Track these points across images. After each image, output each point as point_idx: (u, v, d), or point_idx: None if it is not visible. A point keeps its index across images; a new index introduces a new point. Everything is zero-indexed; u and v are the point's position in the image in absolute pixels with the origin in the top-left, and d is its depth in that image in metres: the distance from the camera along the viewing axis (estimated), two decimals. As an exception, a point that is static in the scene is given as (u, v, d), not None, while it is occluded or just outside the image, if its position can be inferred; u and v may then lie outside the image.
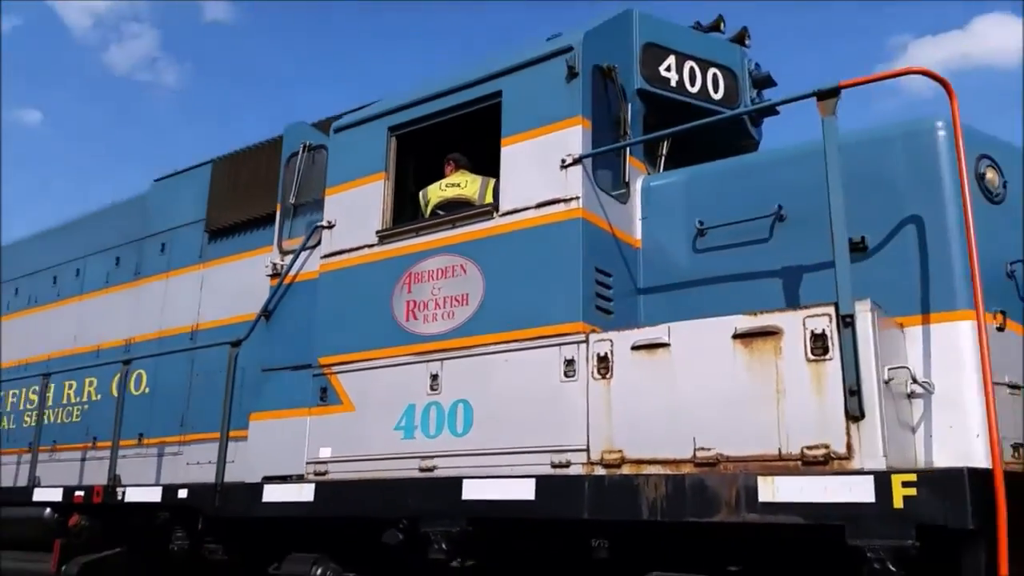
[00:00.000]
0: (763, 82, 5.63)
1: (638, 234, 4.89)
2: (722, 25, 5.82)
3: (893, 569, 3.17)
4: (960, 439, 3.73)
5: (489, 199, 4.97)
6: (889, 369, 3.51)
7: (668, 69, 5.26)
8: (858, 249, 4.15)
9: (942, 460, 3.74)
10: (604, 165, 4.90)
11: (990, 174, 4.16)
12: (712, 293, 4.55)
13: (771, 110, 5.60)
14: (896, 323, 3.88)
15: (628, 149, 4.91)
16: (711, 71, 5.43)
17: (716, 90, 5.42)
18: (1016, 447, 3.80)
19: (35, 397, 7.91)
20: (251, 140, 6.26)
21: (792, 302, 4.23)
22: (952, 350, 3.84)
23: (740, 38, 5.89)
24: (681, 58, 5.33)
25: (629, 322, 4.55)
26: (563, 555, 4.26)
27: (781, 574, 3.71)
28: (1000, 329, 3.92)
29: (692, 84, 5.34)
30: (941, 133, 4.11)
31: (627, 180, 4.90)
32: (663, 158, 5.37)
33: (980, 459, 3.68)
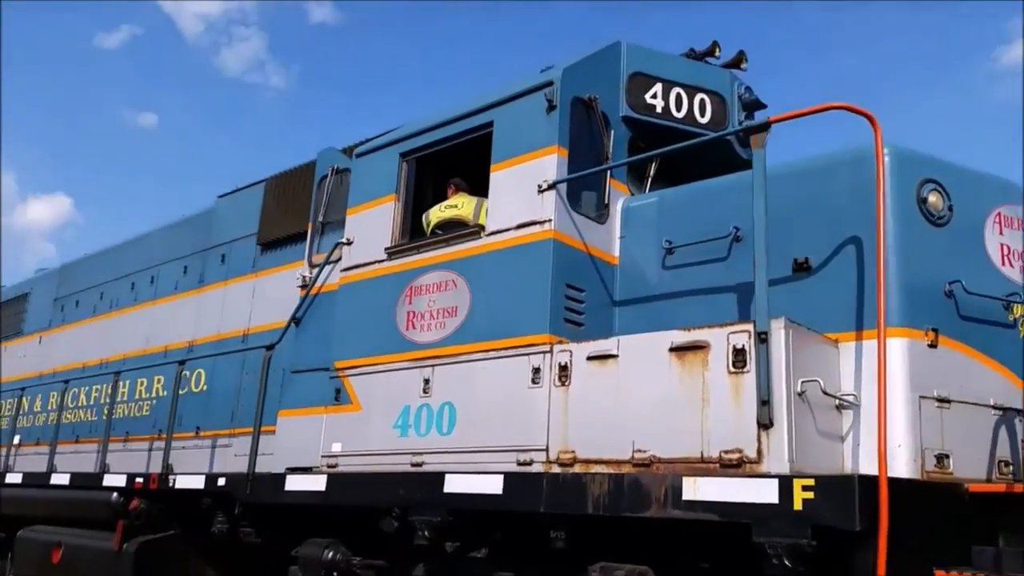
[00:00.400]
0: (752, 105, 5.91)
1: (616, 251, 5.27)
2: (717, 50, 6.13)
3: (789, 565, 3.49)
4: (889, 453, 3.98)
5: (483, 220, 5.44)
6: (803, 382, 3.81)
7: (654, 96, 5.62)
8: (803, 268, 4.46)
9: (868, 467, 4.00)
10: (587, 187, 5.32)
11: (933, 198, 4.37)
12: (679, 306, 4.89)
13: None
14: (826, 339, 4.16)
15: (609, 172, 5.30)
16: (698, 96, 5.75)
17: (703, 115, 5.73)
18: (940, 457, 4.02)
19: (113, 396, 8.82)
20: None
21: (744, 315, 4.54)
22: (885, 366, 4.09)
23: (736, 62, 6.19)
24: (668, 85, 5.67)
25: (606, 332, 4.95)
26: (528, 545, 4.69)
27: (707, 566, 4.04)
28: (932, 346, 4.14)
29: (679, 110, 5.67)
30: (887, 157, 4.35)
31: (607, 202, 5.29)
32: (650, 179, 5.71)
33: (901, 467, 3.95)
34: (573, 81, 5.18)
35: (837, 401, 4.06)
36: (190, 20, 47.22)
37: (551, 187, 4.93)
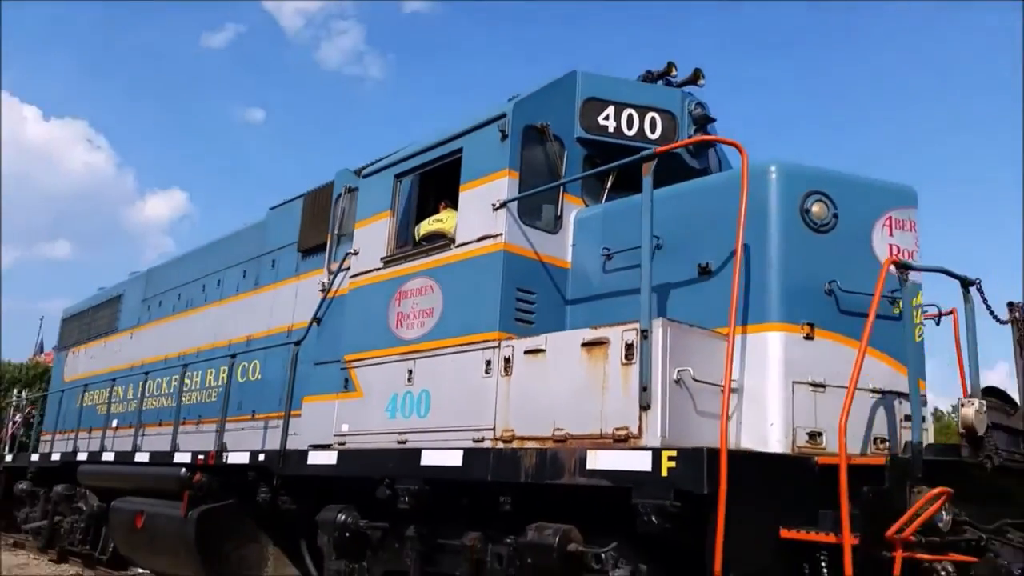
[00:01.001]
0: (701, 120, 6.55)
1: (569, 257, 6.07)
2: (673, 70, 6.78)
3: (656, 522, 4.26)
4: (759, 426, 4.71)
5: (458, 233, 6.32)
6: (679, 370, 4.55)
7: (606, 118, 6.36)
8: (705, 272, 5.17)
9: (746, 443, 4.73)
10: (543, 201, 6.12)
11: (816, 208, 5.00)
12: (615, 305, 5.65)
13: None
14: (716, 333, 4.87)
15: (563, 187, 6.10)
16: (649, 115, 6.45)
17: (653, 131, 6.43)
18: (812, 435, 4.69)
19: (187, 382, 10.15)
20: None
21: (661, 312, 5.28)
22: (762, 355, 4.80)
23: (694, 79, 6.83)
24: (620, 107, 6.40)
25: (558, 327, 5.76)
26: (485, 509, 5.57)
27: (614, 525, 4.83)
28: (808, 338, 4.81)
29: (630, 128, 6.39)
30: (772, 176, 5.03)
31: (560, 214, 6.09)
32: (607, 191, 6.46)
33: (774, 443, 4.66)
34: (524, 112, 5.99)
35: (720, 386, 4.77)
36: (290, 16, 49.47)
37: (503, 205, 5.77)
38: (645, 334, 4.57)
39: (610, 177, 6.47)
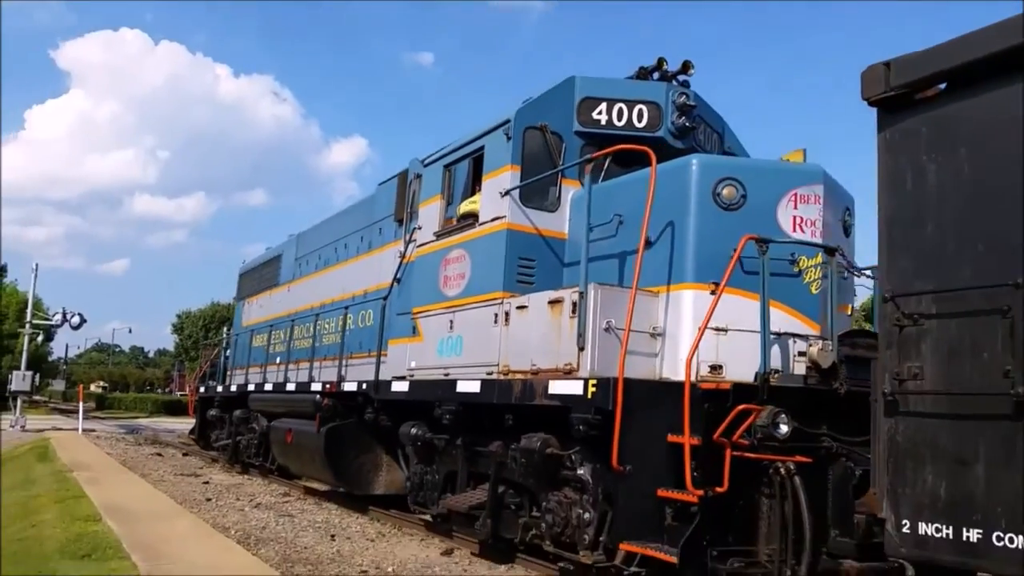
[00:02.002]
0: (683, 108, 7.89)
1: (566, 230, 7.71)
2: (664, 64, 8.13)
3: (583, 430, 5.97)
4: (674, 361, 6.25)
5: (485, 212, 8.08)
6: (607, 321, 6.17)
7: (599, 113, 7.85)
8: (649, 244, 6.67)
9: (667, 373, 6.30)
10: (546, 185, 7.76)
11: (726, 191, 6.37)
12: (594, 267, 7.23)
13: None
14: (650, 291, 6.41)
15: (561, 173, 7.70)
16: (637, 107, 7.87)
17: (640, 121, 7.86)
18: (713, 367, 6.18)
19: (320, 327, 12.60)
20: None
21: (621, 275, 6.85)
22: (678, 307, 6.32)
23: (684, 69, 8.15)
24: (611, 103, 7.86)
25: (556, 285, 7.45)
26: (498, 424, 7.43)
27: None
28: (713, 293, 6.25)
29: (619, 120, 7.86)
30: (693, 167, 6.45)
31: (559, 196, 7.72)
32: (604, 172, 7.96)
33: (681, 373, 6.20)
34: (524, 117, 7.63)
35: (651, 330, 6.35)
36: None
37: (507, 193, 7.49)
38: (582, 295, 6.22)
39: (607, 161, 7.99)
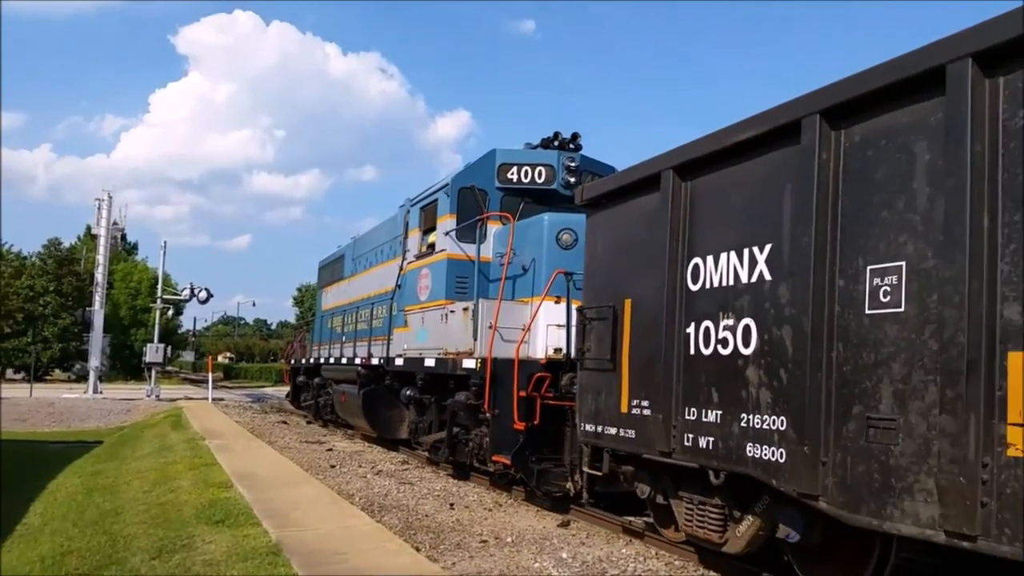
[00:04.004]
0: (569, 170, 11.44)
1: (490, 255, 11.45)
2: (559, 136, 11.69)
3: (473, 391, 9.80)
4: (532, 348, 9.95)
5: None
6: (489, 320, 9.92)
7: (512, 173, 11.51)
8: (525, 271, 10.37)
9: (530, 353, 10.02)
10: (474, 225, 11.51)
11: (564, 236, 9.97)
12: (508, 284, 10.98)
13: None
14: (521, 302, 10.11)
15: (487, 216, 11.43)
16: (537, 168, 11.49)
17: (540, 178, 11.48)
18: (556, 350, 9.84)
19: (361, 315, 16.71)
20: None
21: (517, 292, 10.55)
22: (537, 312, 10.00)
23: (573, 139, 11.70)
24: (520, 166, 11.51)
25: (483, 295, 11.24)
26: (448, 387, 11.28)
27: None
28: (557, 303, 9.88)
29: (526, 178, 11.50)
30: (545, 221, 10.10)
31: (485, 232, 11.45)
32: (519, 213, 11.60)
33: (539, 353, 9.91)
34: (459, 180, 11.40)
35: (521, 327, 10.07)
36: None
37: (447, 233, 11.30)
38: (475, 306, 10.01)
39: (521, 204, 11.64)
